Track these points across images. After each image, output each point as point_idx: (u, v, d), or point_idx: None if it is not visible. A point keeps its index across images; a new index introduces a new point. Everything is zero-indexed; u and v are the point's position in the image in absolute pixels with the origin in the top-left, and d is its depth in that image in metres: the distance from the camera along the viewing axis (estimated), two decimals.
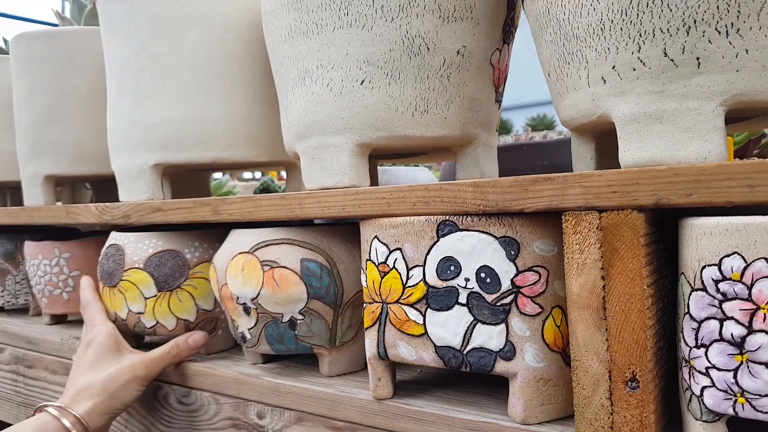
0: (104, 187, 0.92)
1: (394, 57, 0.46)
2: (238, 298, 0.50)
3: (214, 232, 0.62)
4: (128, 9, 0.59)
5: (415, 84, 0.47)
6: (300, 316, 0.49)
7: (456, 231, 0.40)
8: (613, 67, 0.36)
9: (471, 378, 0.49)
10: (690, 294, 0.32)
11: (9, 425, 0.85)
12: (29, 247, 0.76)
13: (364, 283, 0.45)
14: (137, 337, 0.65)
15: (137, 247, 0.60)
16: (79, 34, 0.74)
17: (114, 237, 0.62)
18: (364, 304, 0.45)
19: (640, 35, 0.35)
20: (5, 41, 0.97)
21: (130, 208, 0.60)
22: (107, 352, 0.56)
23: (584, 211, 0.35)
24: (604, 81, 0.37)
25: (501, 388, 0.45)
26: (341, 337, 0.51)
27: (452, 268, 0.40)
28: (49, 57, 0.74)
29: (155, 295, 0.59)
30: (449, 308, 0.40)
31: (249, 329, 0.51)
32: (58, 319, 0.80)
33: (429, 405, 0.43)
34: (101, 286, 0.62)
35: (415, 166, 0.94)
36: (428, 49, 0.46)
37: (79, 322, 0.81)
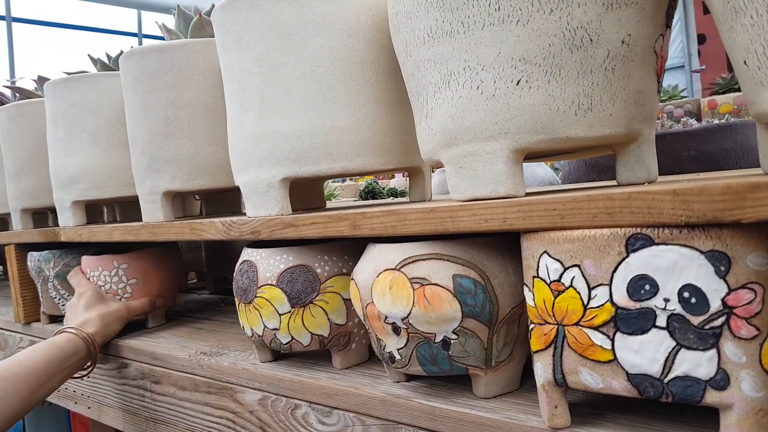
0: (213, 197, 0.92)
1: (553, 52, 0.42)
2: (386, 317, 0.48)
3: (341, 245, 0.60)
4: (247, 20, 0.57)
5: (578, 80, 0.42)
6: (453, 336, 0.46)
7: (650, 245, 0.35)
8: None
9: (645, 402, 0.44)
10: None
11: None
12: (87, 261, 0.87)
13: (531, 303, 0.42)
14: (273, 352, 0.64)
15: (269, 263, 0.58)
16: (189, 47, 0.73)
17: (246, 253, 0.61)
18: (532, 325, 0.42)
19: None
20: (109, 57, 0.98)
21: (259, 224, 0.58)
22: (95, 301, 0.82)
23: None
24: None
25: (691, 414, 0.41)
26: (497, 356, 0.47)
27: (647, 287, 0.35)
28: (161, 72, 0.73)
29: (289, 311, 0.58)
30: (644, 332, 0.36)
31: (398, 349, 0.49)
32: None
33: None
34: (237, 302, 0.61)
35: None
36: (591, 40, 0.42)
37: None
